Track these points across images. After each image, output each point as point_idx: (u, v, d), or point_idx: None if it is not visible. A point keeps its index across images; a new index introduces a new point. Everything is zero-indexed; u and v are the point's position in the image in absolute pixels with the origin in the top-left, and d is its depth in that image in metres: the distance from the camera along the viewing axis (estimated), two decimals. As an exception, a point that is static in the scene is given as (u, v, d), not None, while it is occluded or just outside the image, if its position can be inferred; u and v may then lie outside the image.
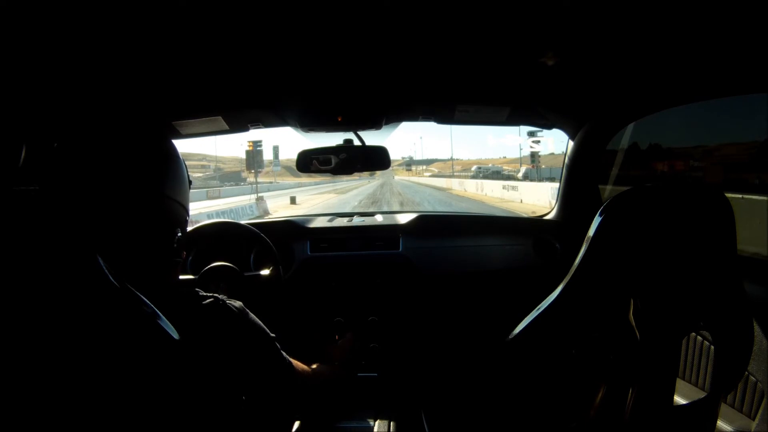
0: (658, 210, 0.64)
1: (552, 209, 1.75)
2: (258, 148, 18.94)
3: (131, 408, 0.44)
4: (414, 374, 1.52)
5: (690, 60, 1.02)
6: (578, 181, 1.59)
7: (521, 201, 16.92)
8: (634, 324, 0.65)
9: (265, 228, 1.43)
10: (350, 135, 1.42)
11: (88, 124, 0.62)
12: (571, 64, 1.06)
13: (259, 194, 18.85)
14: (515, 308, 0.82)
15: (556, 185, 1.75)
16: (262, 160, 20.68)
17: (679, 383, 0.98)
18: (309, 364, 0.88)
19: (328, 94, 1.27)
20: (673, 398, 0.68)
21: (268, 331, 0.70)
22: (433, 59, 1.04)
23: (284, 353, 0.74)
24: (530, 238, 1.63)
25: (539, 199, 14.65)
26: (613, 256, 0.65)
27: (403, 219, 1.68)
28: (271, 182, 52.36)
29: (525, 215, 3.84)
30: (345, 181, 53.79)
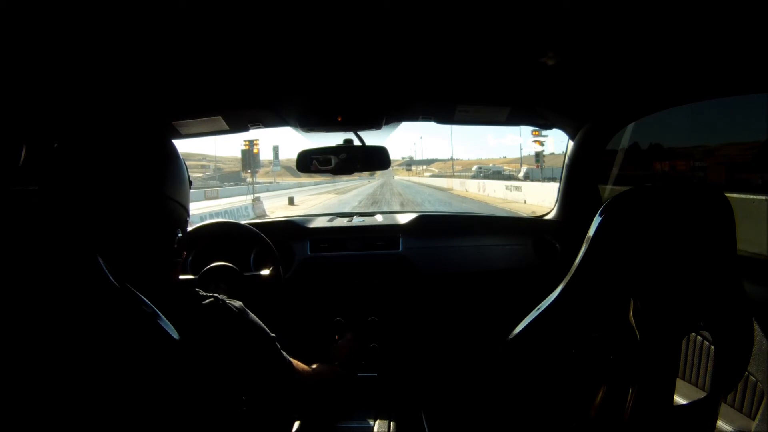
0: (658, 210, 0.64)
1: (552, 209, 1.76)
2: (254, 148, 18.80)
3: (131, 408, 0.44)
4: (414, 374, 1.52)
5: (690, 60, 1.02)
6: (578, 181, 1.59)
7: (525, 202, 16.84)
8: (634, 324, 0.65)
9: (265, 228, 1.43)
10: (350, 135, 1.42)
11: (89, 124, 0.62)
12: (571, 64, 1.06)
13: (257, 195, 18.68)
14: (515, 308, 0.82)
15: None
16: (258, 160, 20.50)
17: (679, 383, 0.98)
18: (309, 364, 0.88)
19: (328, 94, 1.27)
20: (673, 398, 0.68)
21: (268, 330, 0.70)
22: (433, 59, 1.03)
23: (284, 353, 0.74)
24: (530, 238, 1.63)
25: (544, 199, 14.28)
26: (613, 257, 0.65)
27: (403, 219, 1.68)
28: (270, 182, 52.40)
29: (525, 215, 3.84)
30: (345, 181, 53.83)
